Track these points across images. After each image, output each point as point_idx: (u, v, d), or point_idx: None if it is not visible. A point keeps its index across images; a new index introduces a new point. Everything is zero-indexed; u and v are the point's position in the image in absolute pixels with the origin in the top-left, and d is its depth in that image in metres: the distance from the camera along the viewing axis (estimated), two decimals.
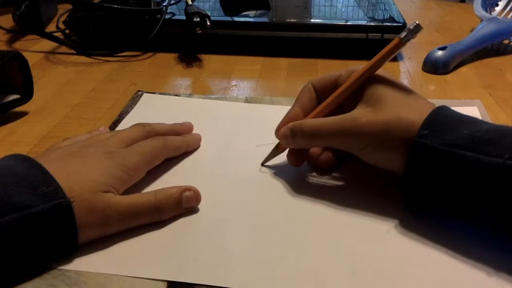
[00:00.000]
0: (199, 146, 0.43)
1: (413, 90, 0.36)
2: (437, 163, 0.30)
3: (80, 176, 0.31)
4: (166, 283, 0.29)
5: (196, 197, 0.35)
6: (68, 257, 0.30)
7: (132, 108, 0.49)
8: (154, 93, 0.53)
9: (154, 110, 0.47)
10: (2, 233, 0.27)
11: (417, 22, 0.35)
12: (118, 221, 0.32)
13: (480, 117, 0.46)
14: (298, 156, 0.39)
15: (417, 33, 0.35)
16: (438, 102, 0.50)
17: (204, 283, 0.29)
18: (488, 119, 0.48)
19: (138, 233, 0.33)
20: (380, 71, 0.36)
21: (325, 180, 0.39)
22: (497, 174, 0.28)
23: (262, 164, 0.41)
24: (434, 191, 0.32)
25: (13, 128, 0.47)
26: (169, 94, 0.53)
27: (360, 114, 0.34)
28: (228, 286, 0.29)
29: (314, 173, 0.40)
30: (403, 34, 0.35)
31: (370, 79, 0.36)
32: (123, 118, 0.47)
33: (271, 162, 0.41)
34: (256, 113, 0.49)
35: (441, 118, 0.32)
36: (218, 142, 0.44)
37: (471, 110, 0.48)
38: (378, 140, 0.33)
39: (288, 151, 0.40)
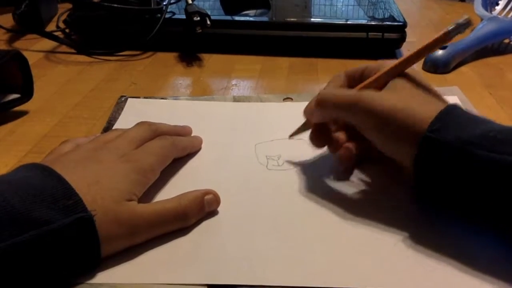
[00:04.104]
0: (201, 148, 0.43)
1: (434, 89, 0.35)
2: (448, 158, 0.30)
3: (101, 185, 0.30)
4: (206, 287, 0.29)
5: (216, 200, 0.35)
6: (94, 271, 0.29)
7: (119, 114, 0.48)
8: (138, 97, 0.52)
9: (143, 115, 0.45)
10: (23, 250, 0.26)
11: (466, 15, 0.34)
12: (145, 230, 0.31)
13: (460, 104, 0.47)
14: (319, 138, 0.39)
15: (466, 28, 0.34)
16: None
17: (245, 283, 0.29)
18: (470, 105, 0.48)
19: (164, 240, 0.32)
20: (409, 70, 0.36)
21: (329, 173, 0.39)
22: (510, 172, 0.28)
23: (290, 137, 0.41)
24: (444, 187, 0.32)
25: (13, 128, 0.47)
26: (155, 98, 0.52)
27: (375, 93, 0.34)
28: (268, 284, 0.29)
29: (323, 169, 0.40)
30: (451, 27, 0.34)
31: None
32: (112, 125, 0.46)
33: (272, 157, 0.41)
34: (246, 111, 0.49)
35: (454, 115, 0.32)
36: (218, 143, 0.44)
37: (451, 100, 0.49)
38: (383, 123, 0.33)
39: (311, 131, 0.39)
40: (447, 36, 0.34)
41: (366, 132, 0.35)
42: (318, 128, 0.39)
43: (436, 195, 0.33)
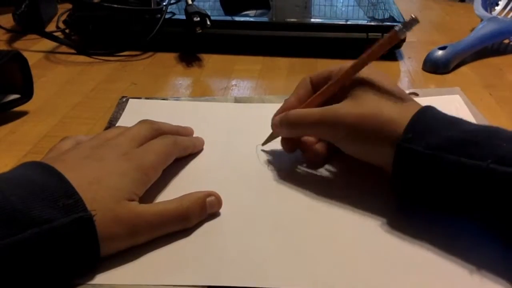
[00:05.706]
0: (203, 148, 0.43)
1: (401, 92, 0.35)
2: (421, 166, 0.31)
3: (101, 184, 0.30)
4: None
5: (218, 202, 0.35)
6: (95, 271, 0.29)
7: (120, 114, 0.48)
8: (140, 98, 0.52)
9: (145, 115, 0.44)
10: (23, 249, 0.26)
11: (413, 15, 0.34)
12: (146, 231, 0.31)
13: (464, 105, 0.48)
14: (289, 144, 0.40)
15: (412, 26, 0.34)
16: (420, 91, 0.50)
17: (246, 285, 0.29)
18: (471, 107, 0.48)
19: (165, 241, 0.32)
20: (374, 69, 0.37)
21: (328, 173, 0.39)
22: (481, 177, 0.28)
23: (263, 145, 0.42)
24: (421, 192, 0.32)
25: (13, 128, 0.47)
26: (157, 98, 0.52)
27: (340, 106, 0.35)
28: (269, 286, 0.29)
29: (324, 170, 0.40)
30: (398, 27, 0.35)
31: (359, 79, 0.36)
32: (113, 125, 0.46)
33: (274, 158, 0.41)
34: (248, 112, 0.49)
35: (426, 120, 0.32)
36: (219, 143, 0.43)
37: (454, 99, 0.50)
38: (354, 132, 0.34)
39: (281, 138, 0.40)
40: (395, 36, 0.35)
41: (339, 144, 0.36)
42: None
43: (413, 199, 0.34)
